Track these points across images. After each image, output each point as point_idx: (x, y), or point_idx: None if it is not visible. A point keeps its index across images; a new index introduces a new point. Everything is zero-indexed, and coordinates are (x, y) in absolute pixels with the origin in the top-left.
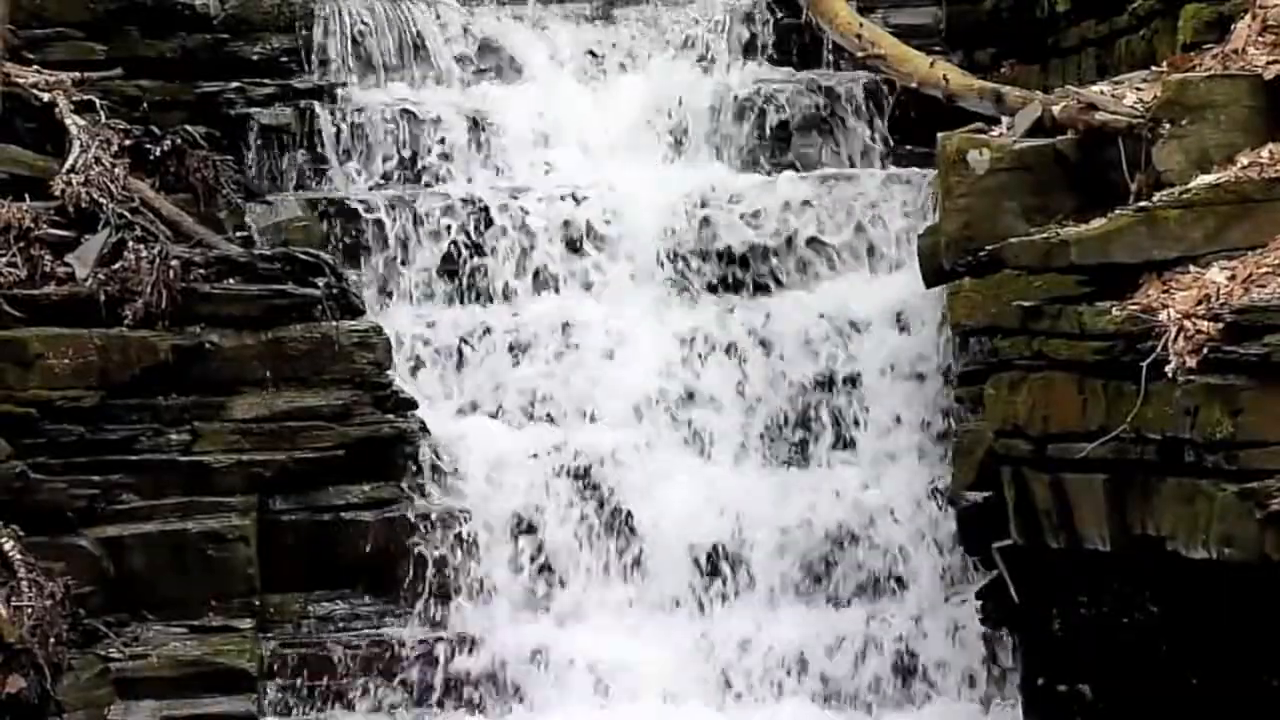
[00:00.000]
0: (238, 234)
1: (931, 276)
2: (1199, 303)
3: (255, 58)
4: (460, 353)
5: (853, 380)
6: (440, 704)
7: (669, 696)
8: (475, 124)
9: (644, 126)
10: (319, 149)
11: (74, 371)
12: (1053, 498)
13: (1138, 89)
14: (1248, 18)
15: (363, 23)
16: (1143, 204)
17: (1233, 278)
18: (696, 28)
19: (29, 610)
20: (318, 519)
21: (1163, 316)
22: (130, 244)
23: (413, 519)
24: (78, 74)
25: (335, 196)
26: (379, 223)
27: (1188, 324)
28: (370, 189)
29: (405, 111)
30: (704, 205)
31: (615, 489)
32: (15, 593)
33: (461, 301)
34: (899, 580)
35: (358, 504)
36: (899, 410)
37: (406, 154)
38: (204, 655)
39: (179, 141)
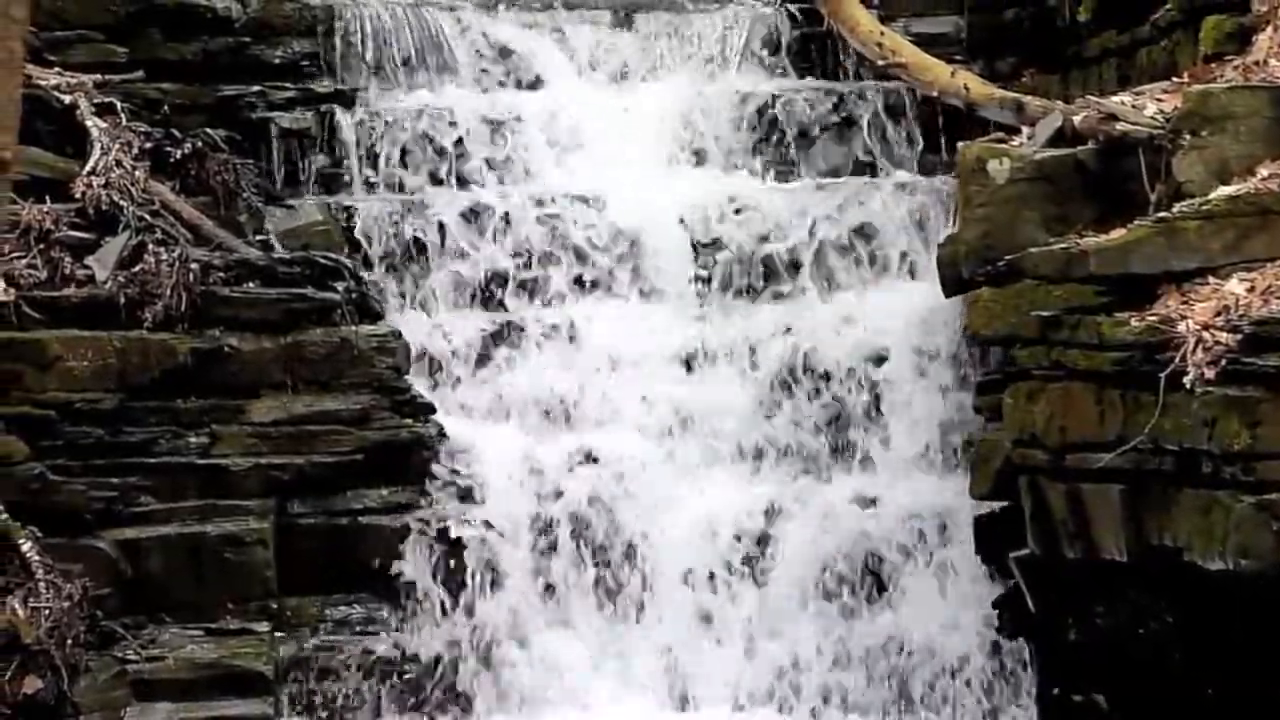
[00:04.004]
0: (257, 238)
1: (951, 285)
2: (1217, 314)
3: (276, 61)
4: (477, 358)
5: (874, 388)
6: (454, 709)
7: (687, 705)
8: (495, 129)
9: (664, 134)
10: (339, 153)
11: (93, 374)
12: (1069, 507)
13: (1158, 100)
14: (1269, 29)
15: (384, 27)
16: (1162, 215)
17: (1251, 289)
18: (717, 35)
19: (46, 611)
20: (335, 523)
21: (1181, 328)
22: (150, 247)
23: (430, 524)
24: (99, 76)
25: (355, 201)
26: (397, 227)
27: (1206, 335)
28: (389, 194)
29: (425, 116)
30: (724, 213)
31: (632, 496)
32: (33, 594)
33: (478, 306)
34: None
35: (375, 508)
36: (917, 419)
37: (426, 159)
38: (220, 658)
39: (199, 145)
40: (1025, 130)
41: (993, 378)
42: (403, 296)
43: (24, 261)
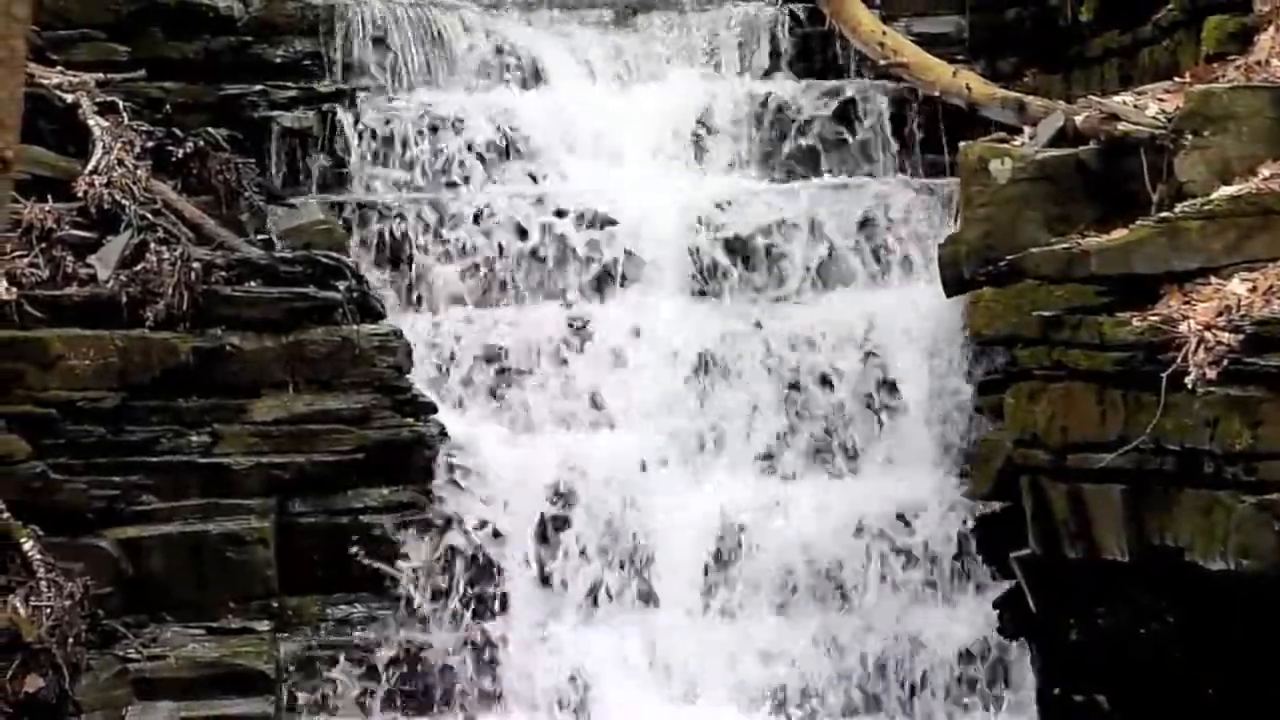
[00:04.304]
0: (259, 237)
1: (952, 285)
2: (1219, 314)
3: (278, 61)
4: (480, 358)
5: (877, 387)
6: (457, 708)
7: (688, 701)
8: (497, 129)
9: (665, 134)
10: (341, 153)
11: (95, 372)
12: (1071, 508)
13: (1160, 99)
14: (1271, 29)
15: (386, 27)
16: (1164, 215)
17: (1253, 289)
18: (718, 35)
19: (48, 610)
20: (336, 522)
21: (1183, 328)
22: (152, 246)
23: (431, 523)
24: (101, 75)
25: (357, 200)
26: (399, 227)
27: (1208, 335)
28: (391, 193)
29: (427, 116)
30: (724, 213)
31: (635, 496)
32: (34, 593)
33: (481, 305)
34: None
35: (376, 507)
36: (914, 417)
37: (428, 158)
38: (222, 657)
39: (201, 144)
40: (1027, 130)
41: (994, 378)
42: (403, 295)
43: (26, 260)
